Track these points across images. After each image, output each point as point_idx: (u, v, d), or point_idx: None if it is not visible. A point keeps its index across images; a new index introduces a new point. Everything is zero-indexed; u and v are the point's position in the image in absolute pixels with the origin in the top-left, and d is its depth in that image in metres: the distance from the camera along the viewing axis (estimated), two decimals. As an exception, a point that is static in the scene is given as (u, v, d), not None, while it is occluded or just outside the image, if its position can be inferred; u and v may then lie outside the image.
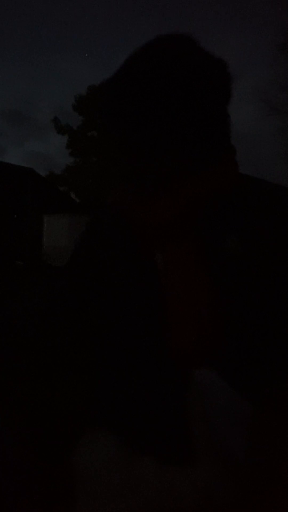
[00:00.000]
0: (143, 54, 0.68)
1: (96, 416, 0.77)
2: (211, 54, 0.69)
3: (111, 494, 0.69)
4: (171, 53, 0.67)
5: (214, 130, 0.69)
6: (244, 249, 0.66)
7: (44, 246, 16.85)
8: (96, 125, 24.78)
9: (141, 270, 0.72)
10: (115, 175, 21.20)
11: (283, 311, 0.65)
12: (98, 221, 0.84)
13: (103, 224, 0.81)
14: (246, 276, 0.65)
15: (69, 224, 16.18)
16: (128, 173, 0.73)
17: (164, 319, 0.67)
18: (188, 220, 0.69)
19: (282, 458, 0.60)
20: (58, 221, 16.84)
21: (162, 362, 0.68)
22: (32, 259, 15.84)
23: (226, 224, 0.68)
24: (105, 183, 21.82)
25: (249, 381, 0.63)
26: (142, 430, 0.69)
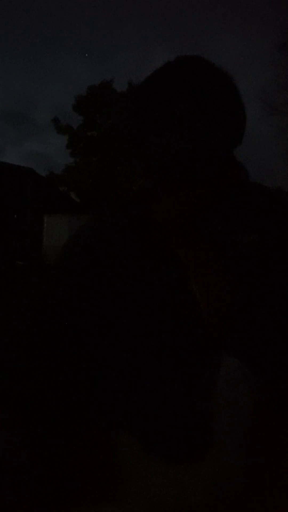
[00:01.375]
0: (164, 71, 0.80)
1: (99, 414, 0.78)
2: (222, 71, 0.80)
3: (116, 492, 0.70)
4: (187, 72, 0.79)
5: (226, 133, 0.80)
6: (259, 245, 0.70)
7: (44, 246, 16.85)
8: (96, 125, 24.81)
9: (147, 271, 0.75)
10: (115, 175, 21.24)
11: None
12: (100, 223, 0.88)
13: (106, 226, 0.84)
14: (259, 271, 0.70)
15: (69, 224, 16.17)
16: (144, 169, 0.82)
17: (188, 314, 0.71)
18: (202, 218, 0.72)
19: (282, 457, 0.60)
20: (58, 221, 16.84)
21: (168, 360, 0.69)
22: (32, 259, 15.84)
23: (240, 223, 0.73)
24: (105, 183, 21.85)
25: (258, 373, 0.64)
26: (147, 428, 0.70)
